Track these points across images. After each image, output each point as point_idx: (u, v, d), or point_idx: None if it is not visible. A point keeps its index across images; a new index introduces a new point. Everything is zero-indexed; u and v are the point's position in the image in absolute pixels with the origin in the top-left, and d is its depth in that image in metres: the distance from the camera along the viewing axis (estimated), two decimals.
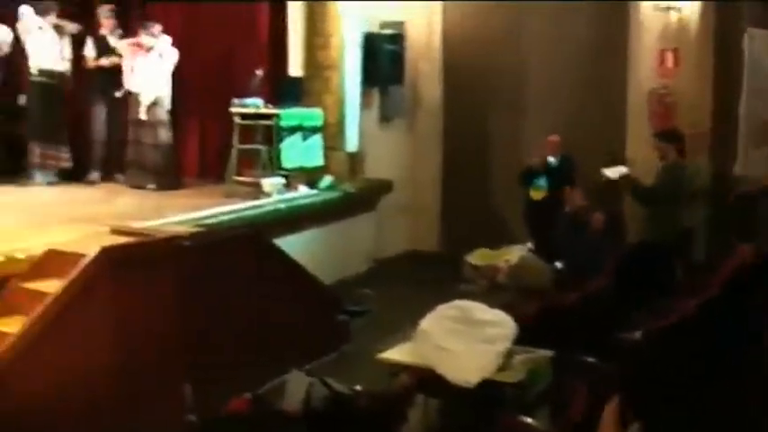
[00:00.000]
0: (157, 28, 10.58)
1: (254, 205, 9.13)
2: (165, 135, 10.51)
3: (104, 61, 10.87)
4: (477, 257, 10.29)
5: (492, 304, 5.91)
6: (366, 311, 8.72)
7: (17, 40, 10.68)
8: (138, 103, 10.48)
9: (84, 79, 11.10)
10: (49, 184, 10.58)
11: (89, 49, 10.91)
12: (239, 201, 9.25)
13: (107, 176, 10.98)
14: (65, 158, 10.81)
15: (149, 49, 10.51)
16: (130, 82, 10.65)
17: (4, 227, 7.71)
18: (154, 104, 10.43)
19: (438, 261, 11.34)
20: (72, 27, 10.83)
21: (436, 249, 12.09)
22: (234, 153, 10.05)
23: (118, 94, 10.87)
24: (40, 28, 10.62)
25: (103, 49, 10.95)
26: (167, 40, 10.58)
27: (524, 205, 10.54)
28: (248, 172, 10.09)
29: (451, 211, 12.13)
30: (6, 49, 10.68)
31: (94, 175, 10.89)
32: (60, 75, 10.81)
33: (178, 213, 8.31)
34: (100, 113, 10.97)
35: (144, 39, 10.54)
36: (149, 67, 10.50)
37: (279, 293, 7.17)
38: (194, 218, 8.11)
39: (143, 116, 10.42)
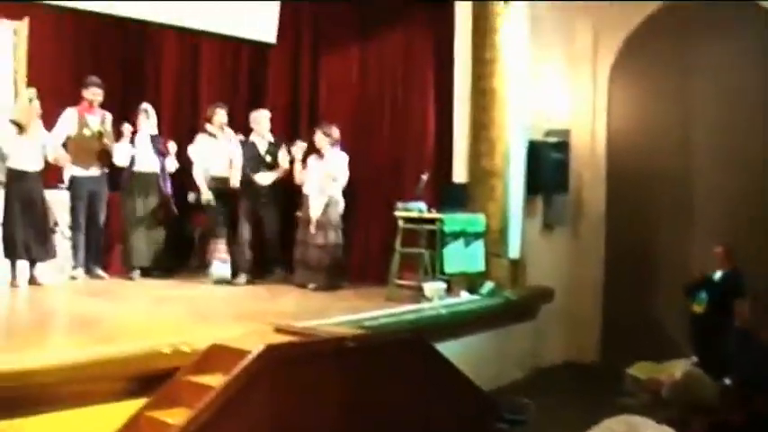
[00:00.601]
0: (335, 131, 10.85)
1: (415, 309, 9.14)
2: (333, 236, 10.65)
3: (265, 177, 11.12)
4: (639, 370, 9.99)
5: (654, 419, 5.73)
6: (523, 421, 8.55)
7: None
8: (309, 205, 10.72)
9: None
10: (218, 282, 10.79)
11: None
12: (400, 304, 9.30)
13: (268, 275, 11.17)
14: (230, 254, 11.00)
15: (322, 153, 10.78)
16: (304, 184, 10.91)
17: (171, 320, 8.03)
18: (327, 206, 10.64)
19: (597, 372, 11.11)
20: (235, 139, 11.21)
21: (596, 360, 11.83)
22: (396, 256, 10.09)
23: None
24: (212, 135, 11.19)
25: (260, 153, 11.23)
26: (338, 152, 10.86)
27: (688, 318, 10.24)
28: (410, 275, 10.11)
29: (613, 321, 11.87)
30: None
31: (243, 277, 10.94)
32: (228, 179, 11.12)
33: (340, 314, 8.39)
34: (262, 214, 11.14)
35: (319, 139, 10.81)
36: (321, 170, 10.75)
37: (439, 398, 7.12)
38: (356, 319, 8.15)
39: (315, 218, 10.61)
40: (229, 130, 11.21)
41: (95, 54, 12.02)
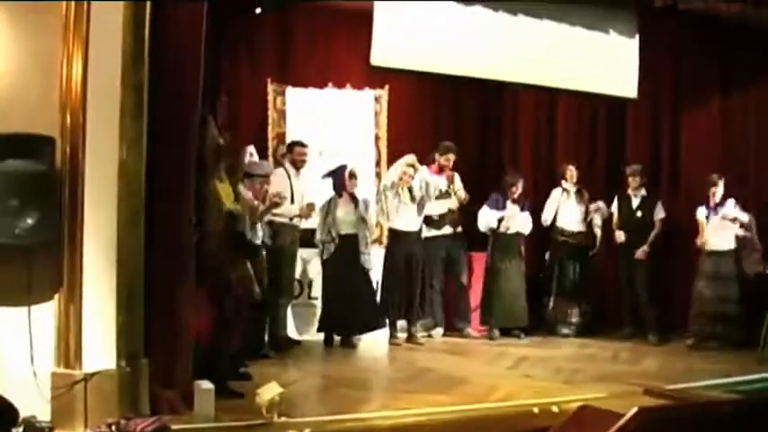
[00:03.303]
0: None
1: None
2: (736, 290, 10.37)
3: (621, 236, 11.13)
4: None
5: None
6: None
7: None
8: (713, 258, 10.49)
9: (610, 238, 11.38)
10: (565, 336, 11.06)
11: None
12: None
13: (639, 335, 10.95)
14: (584, 313, 11.25)
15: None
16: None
17: (534, 379, 8.09)
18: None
19: None
20: (587, 196, 11.46)
21: None
22: None
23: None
24: (566, 191, 11.39)
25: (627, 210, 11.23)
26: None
27: None
28: None
29: None
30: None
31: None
32: (580, 234, 11.39)
33: (709, 377, 8.07)
34: (632, 272, 11.06)
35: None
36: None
37: None
38: (726, 383, 7.83)
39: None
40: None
41: (455, 116, 12.38)
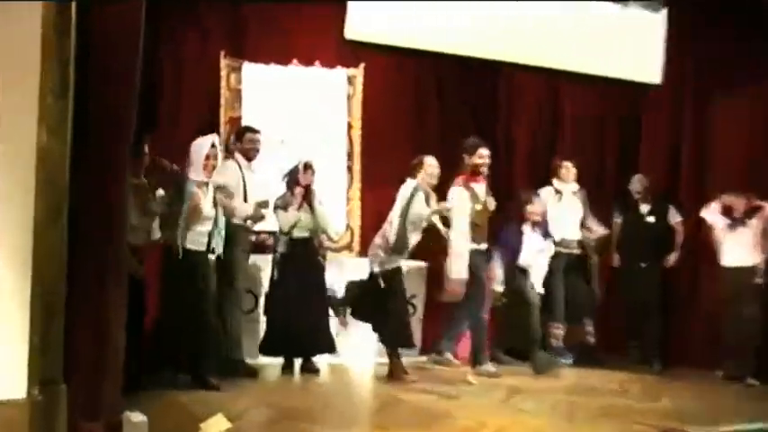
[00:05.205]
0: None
1: None
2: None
3: None
4: None
5: None
6: None
7: None
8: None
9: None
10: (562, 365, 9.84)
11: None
12: None
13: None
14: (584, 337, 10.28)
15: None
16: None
17: (528, 415, 7.10)
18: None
19: None
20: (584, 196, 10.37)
21: None
22: None
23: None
24: (558, 192, 10.26)
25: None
26: None
27: None
28: None
29: None
30: None
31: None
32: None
33: (739, 420, 7.10)
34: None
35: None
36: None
37: None
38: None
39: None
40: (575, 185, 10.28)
41: (440, 98, 11.25)
